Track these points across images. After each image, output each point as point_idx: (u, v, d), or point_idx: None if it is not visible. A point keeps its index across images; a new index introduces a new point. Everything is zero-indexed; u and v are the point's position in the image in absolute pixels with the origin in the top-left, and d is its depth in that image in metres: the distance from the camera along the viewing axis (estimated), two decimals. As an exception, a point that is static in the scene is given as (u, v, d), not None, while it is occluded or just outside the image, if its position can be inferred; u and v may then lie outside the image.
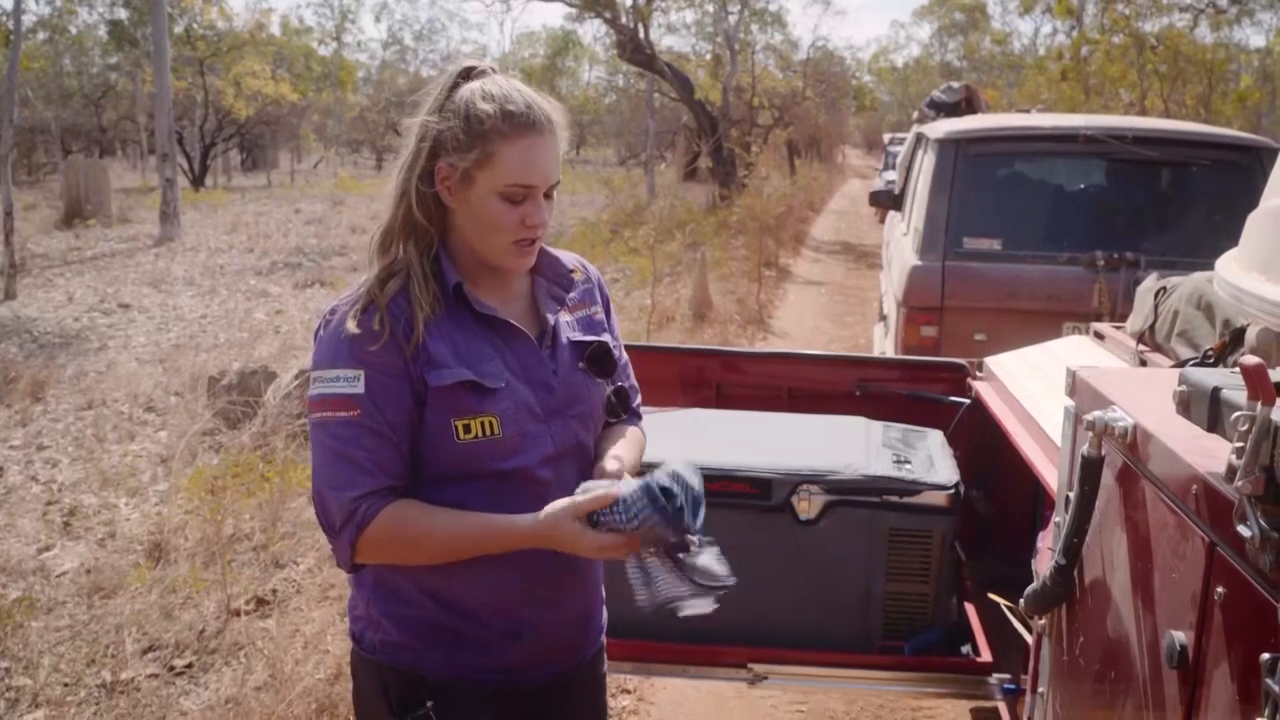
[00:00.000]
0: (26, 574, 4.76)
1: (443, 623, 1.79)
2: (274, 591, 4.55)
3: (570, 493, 1.69)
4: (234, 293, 12.53)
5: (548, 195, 1.74)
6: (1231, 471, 1.11)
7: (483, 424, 1.71)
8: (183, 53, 29.18)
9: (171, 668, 3.97)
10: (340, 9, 45.66)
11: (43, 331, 10.15)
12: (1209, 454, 1.29)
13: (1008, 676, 2.80)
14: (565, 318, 1.87)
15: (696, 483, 1.61)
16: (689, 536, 1.61)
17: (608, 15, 22.81)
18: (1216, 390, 1.21)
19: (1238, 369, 1.13)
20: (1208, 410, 1.23)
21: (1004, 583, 2.75)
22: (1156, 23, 19.62)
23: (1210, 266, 2.29)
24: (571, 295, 1.90)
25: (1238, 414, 1.11)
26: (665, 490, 1.58)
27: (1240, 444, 1.10)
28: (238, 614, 4.32)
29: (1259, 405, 1.08)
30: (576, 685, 1.96)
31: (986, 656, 2.89)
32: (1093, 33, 20.57)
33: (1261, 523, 1.08)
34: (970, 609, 3.17)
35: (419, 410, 1.71)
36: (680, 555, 1.62)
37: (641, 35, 22.74)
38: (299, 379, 6.73)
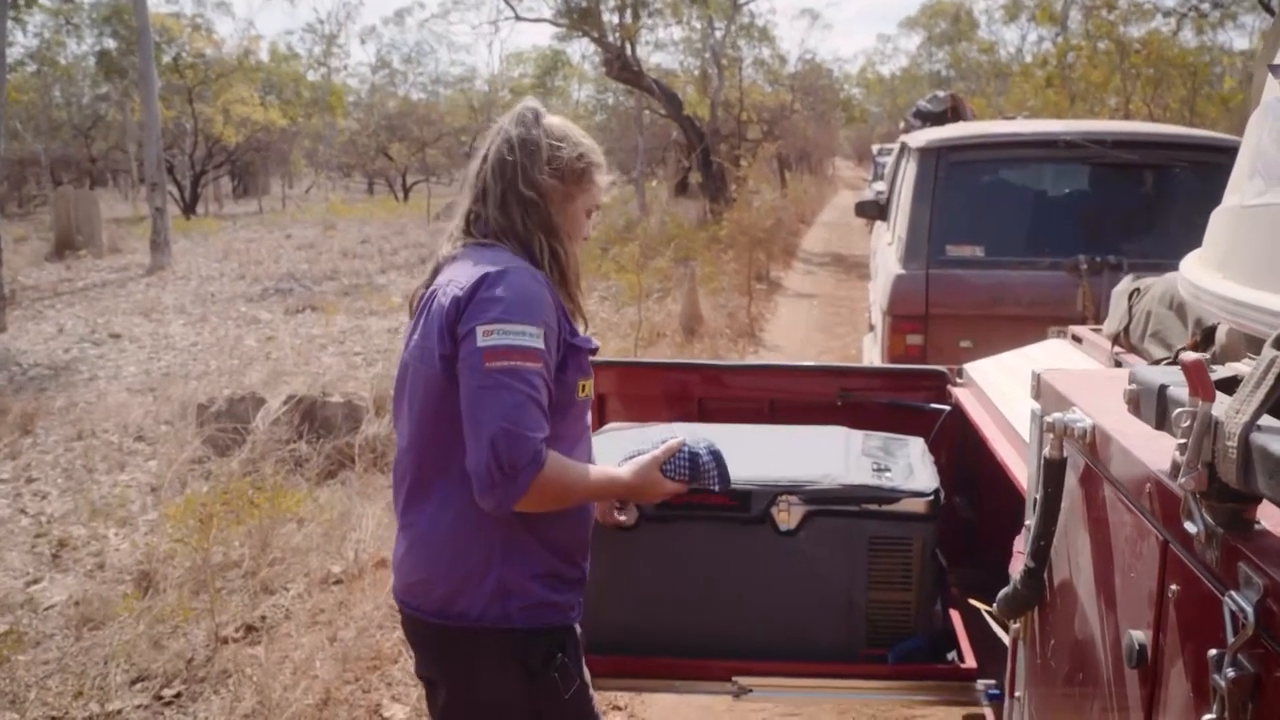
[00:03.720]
0: (14, 607, 4.74)
1: (560, 570, 2.01)
2: (263, 618, 4.54)
3: None
4: (225, 320, 12.52)
5: None
6: (1176, 468, 1.11)
7: (590, 385, 2.05)
8: (171, 81, 29.22)
9: (160, 697, 3.95)
10: (327, 35, 45.67)
11: (32, 364, 10.13)
12: (1163, 452, 1.28)
13: (992, 682, 2.77)
14: None
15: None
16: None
17: (595, 34, 22.90)
18: (1163, 388, 1.21)
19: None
20: (1155, 408, 1.22)
21: (990, 589, 2.74)
22: (1140, 28, 19.69)
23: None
24: None
25: (1179, 410, 1.11)
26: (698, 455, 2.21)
27: (1184, 440, 1.09)
28: (226, 641, 4.30)
29: (1200, 402, 1.07)
30: None
31: (971, 663, 2.88)
32: (1077, 39, 20.65)
33: (1206, 518, 1.08)
34: (956, 616, 3.15)
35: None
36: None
37: (629, 53, 22.82)
38: (288, 404, 6.73)
